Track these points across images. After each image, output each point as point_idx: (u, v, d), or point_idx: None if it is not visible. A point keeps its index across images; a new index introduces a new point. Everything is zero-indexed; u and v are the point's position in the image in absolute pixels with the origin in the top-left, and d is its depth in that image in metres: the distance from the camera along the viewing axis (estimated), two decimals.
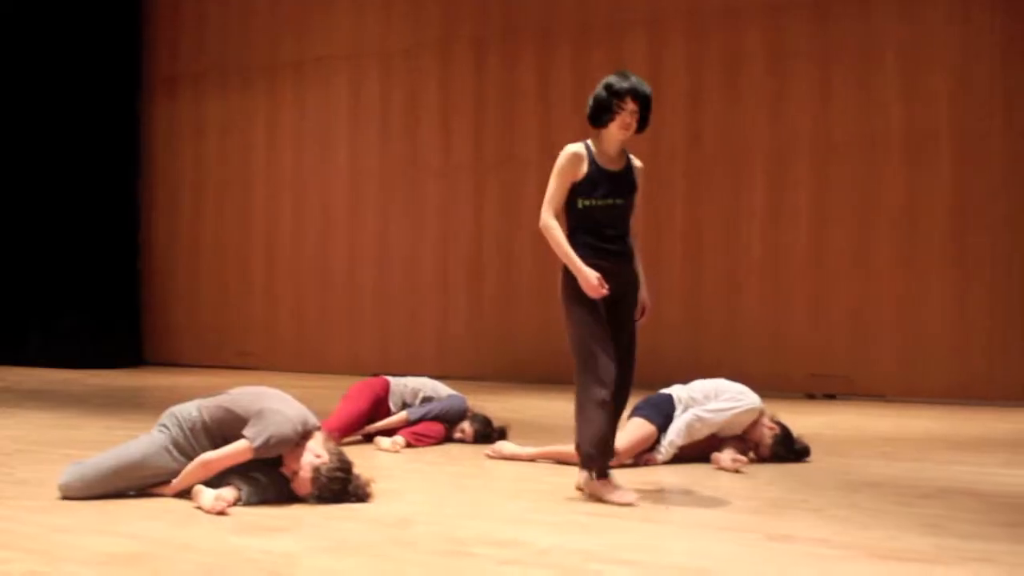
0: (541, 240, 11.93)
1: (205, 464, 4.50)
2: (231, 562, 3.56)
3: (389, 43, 12.56)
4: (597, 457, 4.71)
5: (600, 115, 4.79)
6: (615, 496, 4.67)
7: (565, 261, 4.73)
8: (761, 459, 5.87)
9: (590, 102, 4.82)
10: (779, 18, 10.49)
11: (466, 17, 12.09)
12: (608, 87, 4.78)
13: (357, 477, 4.57)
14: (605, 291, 4.66)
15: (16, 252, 13.71)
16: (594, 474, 4.74)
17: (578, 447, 4.76)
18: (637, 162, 4.92)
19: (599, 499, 4.69)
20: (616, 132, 4.78)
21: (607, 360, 4.68)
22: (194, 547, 3.76)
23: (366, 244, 12.67)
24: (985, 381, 9.53)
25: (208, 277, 13.70)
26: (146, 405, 9.07)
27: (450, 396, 6.78)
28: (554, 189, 4.81)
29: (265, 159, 13.37)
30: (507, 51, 11.84)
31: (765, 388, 9.28)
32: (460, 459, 6.05)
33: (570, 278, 4.74)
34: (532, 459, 5.92)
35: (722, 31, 10.73)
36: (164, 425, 4.68)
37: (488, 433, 6.61)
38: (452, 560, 3.63)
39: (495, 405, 8.40)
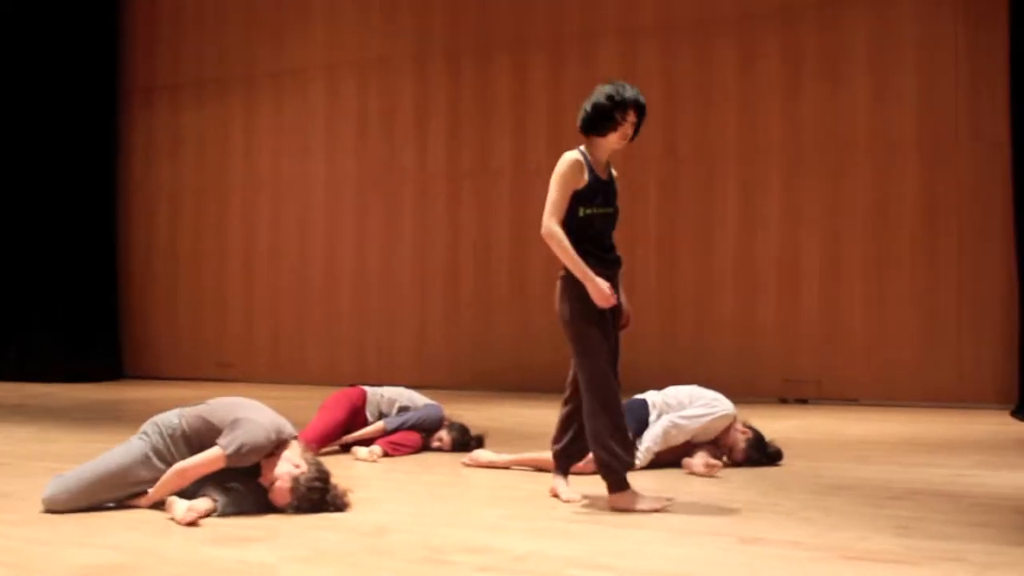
0: (517, 248, 12.18)
1: (180, 472, 4.51)
2: (207, 572, 3.58)
3: (365, 54, 12.64)
4: (621, 470, 4.68)
5: (600, 124, 4.74)
6: (644, 504, 4.65)
7: (574, 270, 4.62)
8: (735, 463, 5.94)
9: (588, 110, 4.76)
10: (750, 26, 10.60)
11: (440, 28, 12.19)
12: (611, 97, 4.72)
13: (335, 487, 4.59)
14: (615, 300, 4.64)
15: None
16: (614, 488, 4.70)
17: (600, 463, 4.71)
18: (614, 171, 4.95)
19: (627, 510, 4.63)
20: (615, 142, 4.77)
21: (617, 386, 4.70)
22: (171, 558, 3.78)
23: (343, 254, 12.73)
24: (955, 384, 9.67)
25: (186, 288, 13.72)
26: (124, 418, 9.05)
27: (426, 405, 6.81)
28: (557, 197, 4.68)
29: (243, 169, 13.41)
30: (481, 61, 11.94)
31: (738, 393, 9.33)
32: (436, 468, 6.08)
33: (576, 293, 4.65)
34: (507, 466, 5.96)
35: (693, 40, 10.84)
36: (145, 432, 4.70)
37: (466, 441, 6.64)
38: (429, 568, 3.66)
39: (472, 414, 8.44)
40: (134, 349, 13.96)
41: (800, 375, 10.23)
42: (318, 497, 4.51)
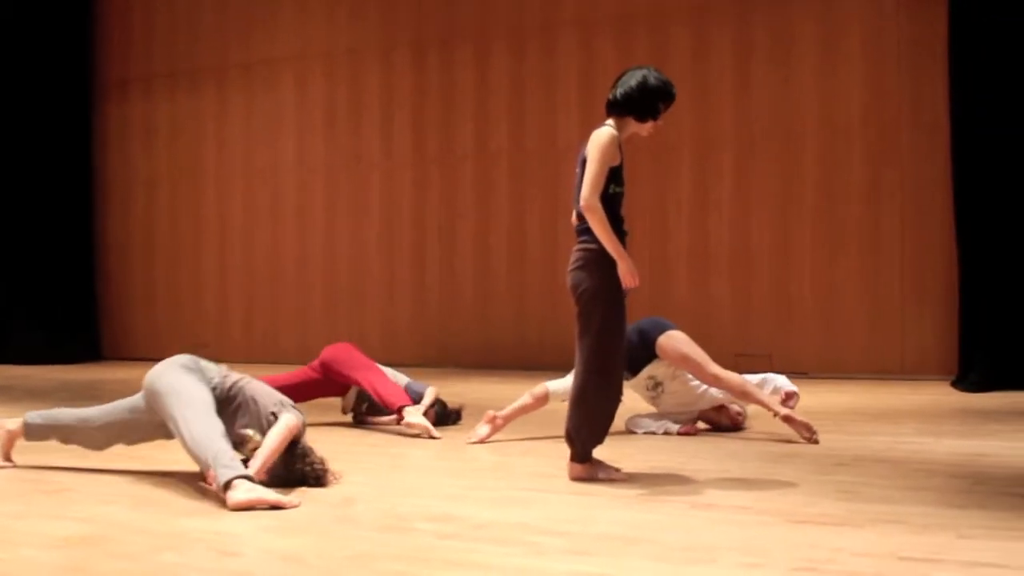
0: (480, 230, 12.31)
1: (279, 446, 4.56)
2: (181, 542, 3.70)
3: (332, 45, 12.81)
4: (591, 446, 4.79)
5: (644, 109, 4.73)
6: (601, 474, 4.77)
7: (611, 247, 4.58)
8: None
9: (634, 91, 4.72)
10: (704, 16, 10.84)
11: (406, 20, 12.36)
12: (665, 87, 4.75)
13: (321, 461, 4.71)
14: (638, 282, 4.66)
15: None
16: (577, 458, 4.79)
17: (570, 433, 4.78)
18: None
19: (591, 480, 4.74)
20: (645, 129, 4.81)
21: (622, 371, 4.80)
22: (146, 529, 3.90)
23: (313, 238, 12.93)
24: (898, 357, 9.98)
25: (162, 273, 13.88)
26: (103, 397, 8.99)
27: (409, 382, 6.94)
28: (598, 172, 4.57)
29: (215, 158, 13.56)
30: (444, 52, 12.13)
31: None
32: (401, 442, 6.22)
33: (605, 270, 4.63)
34: (506, 422, 6.10)
35: (649, 29, 11.06)
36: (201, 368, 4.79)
37: (447, 414, 6.80)
38: (393, 536, 3.79)
39: (440, 390, 8.59)
40: (112, 331, 14.11)
41: (752, 349, 10.48)
42: (302, 469, 4.63)
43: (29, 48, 13.49)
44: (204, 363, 4.86)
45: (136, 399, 4.90)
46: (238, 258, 13.41)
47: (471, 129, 11.97)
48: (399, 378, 6.93)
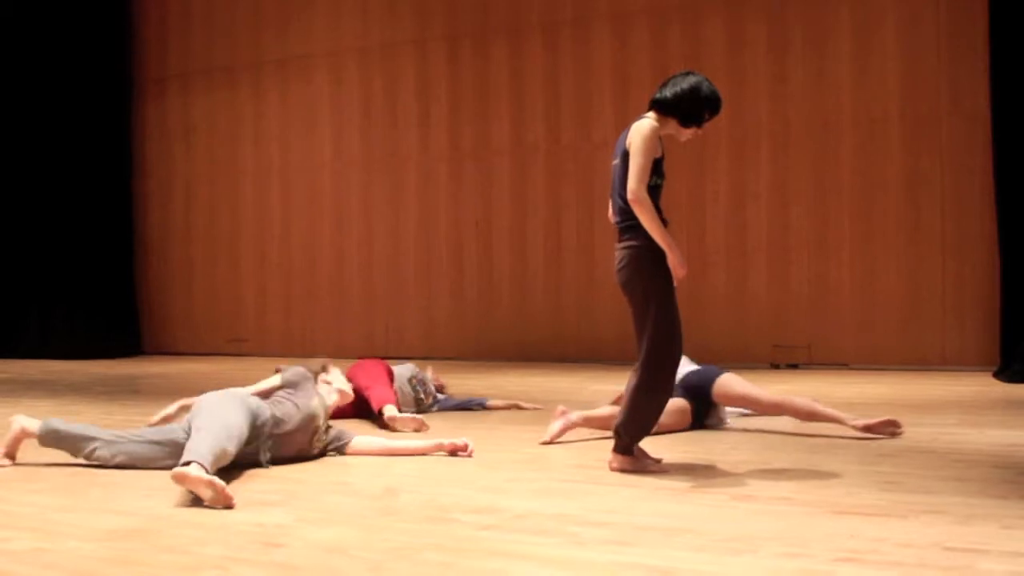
0: (517, 224, 12.34)
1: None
2: (225, 535, 3.74)
3: (367, 40, 12.88)
4: (637, 439, 4.81)
5: (691, 114, 4.75)
6: (646, 466, 4.79)
7: (660, 238, 4.59)
8: None
9: (686, 94, 4.72)
10: (739, 7, 10.80)
11: (440, 14, 12.40)
12: (712, 99, 4.74)
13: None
14: (687, 271, 4.70)
15: (15, 249, 14.06)
16: (620, 450, 4.80)
17: (619, 427, 4.78)
18: None
19: (633, 472, 4.75)
20: (687, 134, 4.83)
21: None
22: (191, 522, 3.94)
23: (350, 233, 13.00)
24: (939, 348, 9.88)
25: (201, 268, 14.01)
26: (142, 391, 9.33)
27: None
28: (643, 165, 4.58)
29: (252, 153, 13.69)
30: (479, 45, 12.15)
31: (731, 360, 9.66)
32: (440, 433, 6.24)
33: (655, 264, 4.65)
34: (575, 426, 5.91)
35: (683, 23, 11.05)
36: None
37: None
38: (435, 526, 3.82)
39: (476, 383, 8.65)
40: (152, 326, 14.27)
41: (790, 341, 10.44)
42: None
43: (69, 47, 13.73)
44: (256, 402, 4.98)
45: (168, 430, 4.99)
46: (276, 253, 13.51)
47: (506, 123, 11.99)
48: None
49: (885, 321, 10.10)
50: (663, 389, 4.79)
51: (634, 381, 4.75)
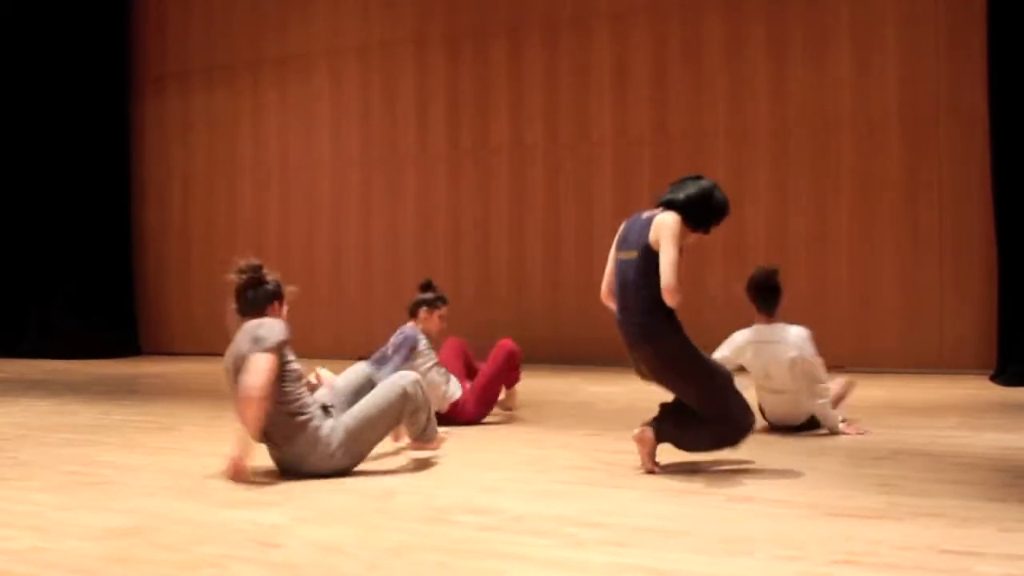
0: (515, 222, 12.32)
1: None
2: (222, 533, 3.75)
3: (366, 39, 12.87)
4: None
5: (703, 220, 4.90)
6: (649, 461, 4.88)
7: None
8: None
9: (699, 201, 4.87)
10: (736, 6, 10.79)
11: (439, 13, 12.40)
12: (723, 208, 4.95)
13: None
14: None
15: (13, 248, 14.05)
16: (659, 437, 4.89)
17: (677, 441, 4.94)
18: None
19: (644, 455, 4.87)
20: (694, 238, 4.93)
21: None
22: (188, 520, 3.95)
23: (348, 232, 13.00)
24: (936, 351, 9.88)
25: (199, 268, 13.97)
26: (140, 391, 9.35)
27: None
28: (675, 254, 4.70)
29: (251, 152, 13.68)
30: (478, 45, 12.15)
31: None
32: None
33: (671, 327, 4.80)
34: None
35: (682, 21, 11.04)
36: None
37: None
38: (433, 527, 3.82)
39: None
40: (149, 326, 14.26)
41: None
42: None
43: (68, 46, 13.73)
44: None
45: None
46: (274, 252, 13.45)
47: (505, 122, 11.99)
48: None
49: (883, 323, 10.10)
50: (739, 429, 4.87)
51: (708, 431, 4.86)
